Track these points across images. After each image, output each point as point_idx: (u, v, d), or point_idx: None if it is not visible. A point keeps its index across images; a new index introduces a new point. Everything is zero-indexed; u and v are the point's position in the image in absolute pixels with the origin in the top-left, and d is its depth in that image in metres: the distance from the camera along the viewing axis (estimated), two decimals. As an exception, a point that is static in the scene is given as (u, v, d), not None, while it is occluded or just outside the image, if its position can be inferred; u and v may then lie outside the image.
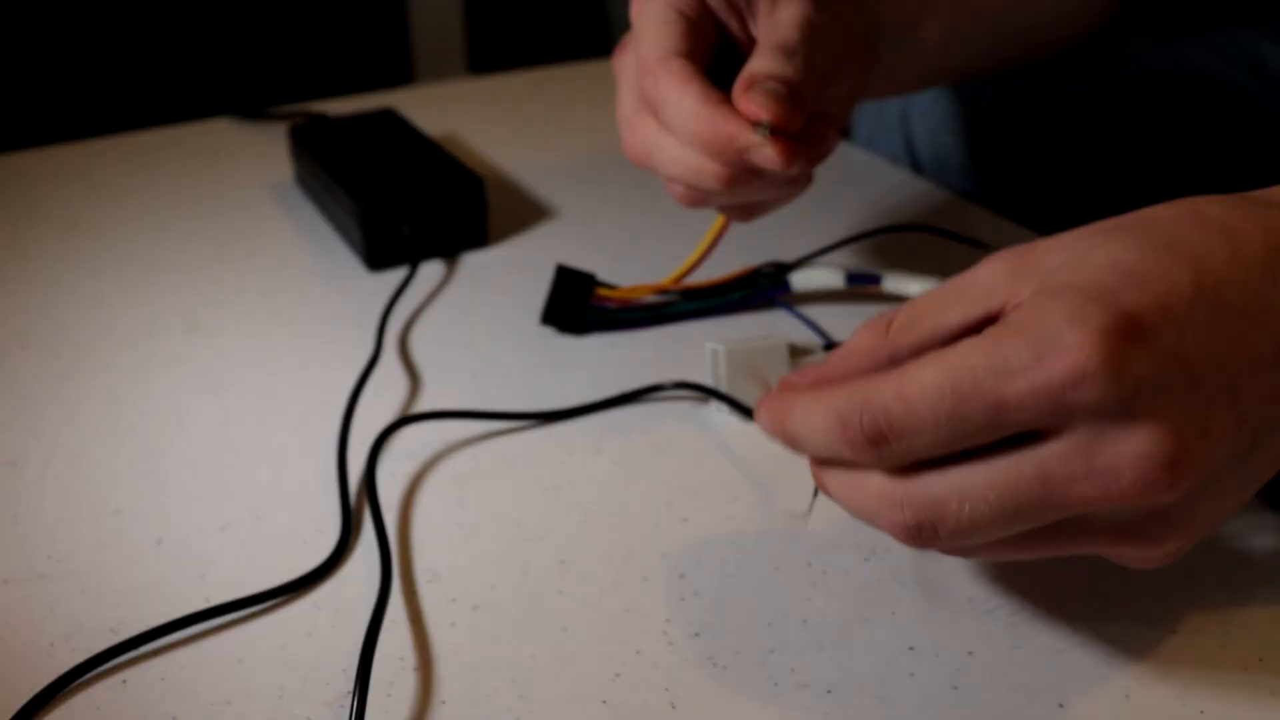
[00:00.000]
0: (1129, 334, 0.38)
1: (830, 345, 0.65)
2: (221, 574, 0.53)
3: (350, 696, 0.45)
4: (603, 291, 0.69)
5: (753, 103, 0.54)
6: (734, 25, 0.60)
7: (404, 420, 0.61)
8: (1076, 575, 0.51)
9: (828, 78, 0.59)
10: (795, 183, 0.59)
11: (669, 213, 0.83)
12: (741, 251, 0.73)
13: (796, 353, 0.63)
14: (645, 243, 0.81)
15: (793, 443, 0.43)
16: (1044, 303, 0.39)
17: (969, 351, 0.39)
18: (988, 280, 0.42)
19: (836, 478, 0.43)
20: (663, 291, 0.70)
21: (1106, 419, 0.38)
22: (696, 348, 0.67)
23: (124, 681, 0.47)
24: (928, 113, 0.94)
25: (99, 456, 0.61)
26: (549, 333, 0.71)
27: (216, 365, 0.69)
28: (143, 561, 0.54)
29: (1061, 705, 0.46)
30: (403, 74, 2.58)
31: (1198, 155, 0.85)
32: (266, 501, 0.57)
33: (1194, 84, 0.88)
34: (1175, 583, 0.51)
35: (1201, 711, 0.45)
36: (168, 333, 0.72)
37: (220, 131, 1.04)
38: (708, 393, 0.62)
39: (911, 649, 0.48)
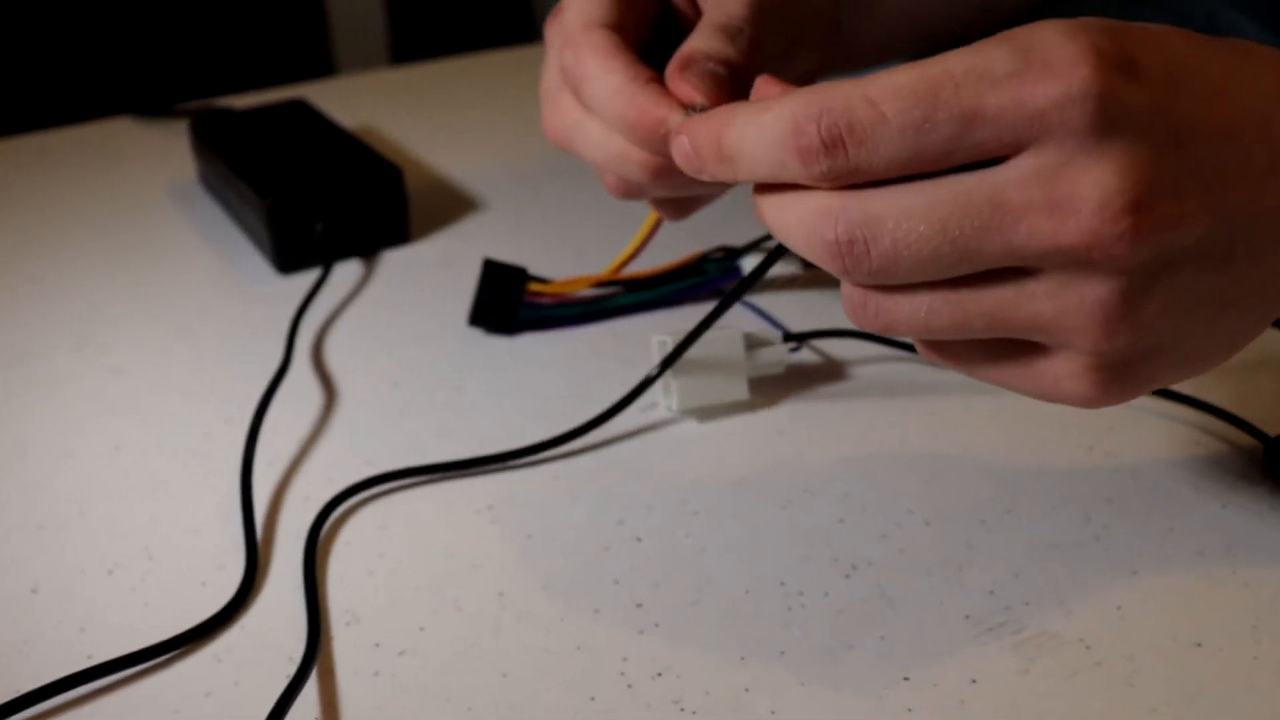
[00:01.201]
0: (1124, 66, 0.35)
1: (789, 336, 0.59)
2: (107, 625, 0.46)
3: (253, 770, 0.38)
4: (535, 287, 0.62)
5: (687, 84, 0.47)
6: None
7: (345, 494, 0.53)
8: (1085, 582, 0.46)
9: (783, 59, 0.53)
10: None
11: (603, 203, 0.76)
12: (687, 236, 0.67)
13: (753, 344, 0.56)
14: (579, 235, 0.75)
15: (728, 161, 0.39)
16: (1043, 22, 0.35)
17: (951, 57, 0.35)
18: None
19: (773, 197, 0.39)
20: (601, 284, 0.63)
21: (1080, 146, 0.34)
22: (640, 344, 0.60)
23: (-14, 762, 0.40)
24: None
25: (-30, 493, 0.54)
26: (478, 334, 0.64)
27: (109, 385, 0.61)
28: (15, 614, 0.47)
29: (1085, 739, 0.39)
30: (322, 66, 2.51)
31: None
32: (161, 537, 0.50)
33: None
34: (1196, 590, 0.46)
35: (1242, 737, 0.39)
36: (55, 350, 0.65)
37: (121, 131, 0.96)
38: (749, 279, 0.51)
39: (906, 680, 0.42)
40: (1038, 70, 0.34)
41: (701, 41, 0.49)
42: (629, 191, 0.53)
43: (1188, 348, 0.39)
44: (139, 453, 0.56)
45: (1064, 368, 0.38)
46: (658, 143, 0.47)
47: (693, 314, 0.64)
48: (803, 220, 0.37)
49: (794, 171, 0.37)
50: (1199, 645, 0.43)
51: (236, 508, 0.51)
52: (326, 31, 2.56)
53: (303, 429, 0.57)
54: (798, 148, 0.36)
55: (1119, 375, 0.38)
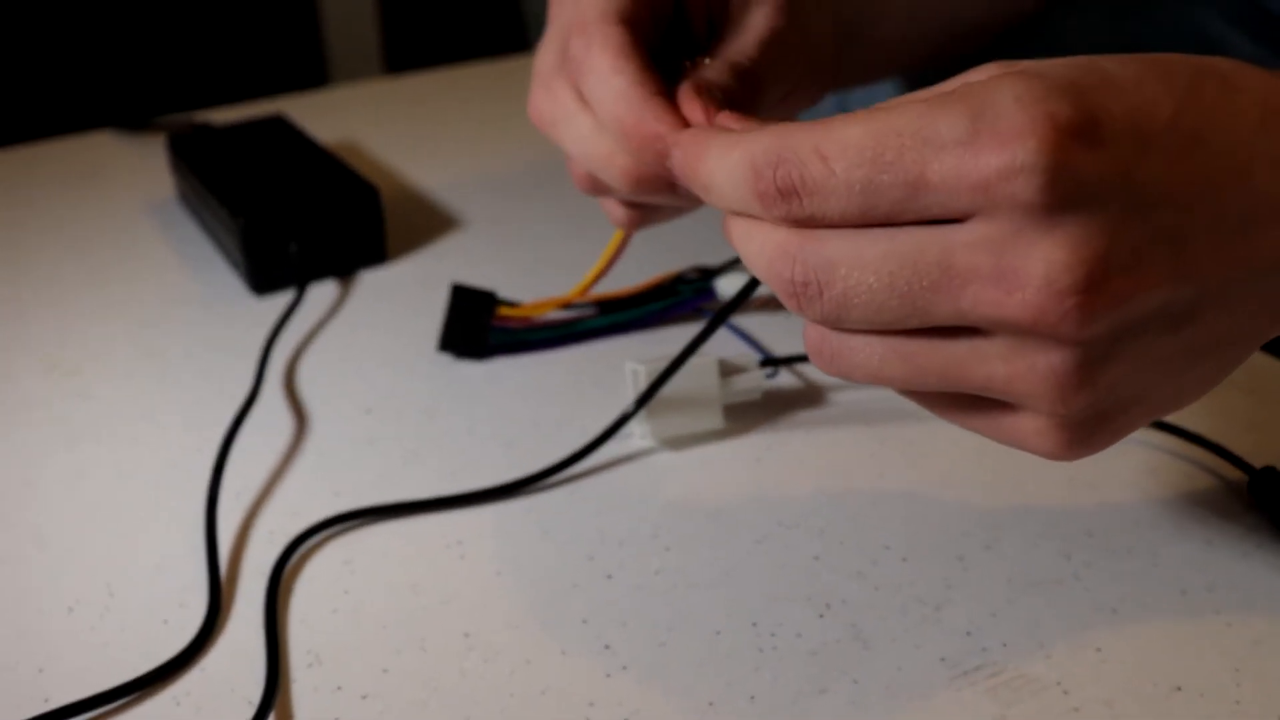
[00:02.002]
0: (1082, 133, 0.33)
1: (767, 360, 0.58)
2: (66, 666, 0.45)
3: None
4: (505, 311, 0.61)
5: (696, 105, 0.46)
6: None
7: (309, 532, 0.52)
8: (1065, 623, 0.45)
9: (783, 101, 0.52)
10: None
11: (583, 221, 0.75)
12: (661, 255, 0.66)
13: (728, 370, 0.55)
14: (558, 253, 0.74)
15: (704, 190, 0.39)
16: (999, 78, 0.34)
17: (902, 113, 0.34)
18: (974, 75, 0.37)
19: (740, 224, 0.39)
20: (572, 306, 0.62)
21: (1028, 218, 0.33)
22: (615, 368, 0.59)
23: (-66, 812, 0.39)
24: (867, 100, 0.88)
25: (-69, 525, 0.53)
26: (451, 358, 0.63)
27: (75, 410, 0.60)
28: (-29, 654, 0.46)
29: (1060, 792, 0.39)
30: (316, 75, 2.50)
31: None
32: (123, 573, 0.49)
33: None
34: (1177, 630, 0.45)
35: (1223, 790, 0.38)
36: (22, 374, 0.64)
37: (101, 145, 0.95)
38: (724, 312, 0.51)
39: (878, 727, 0.41)
40: (986, 138, 0.33)
41: (717, 75, 0.48)
42: (596, 188, 0.52)
43: (1158, 398, 0.37)
44: (104, 482, 0.55)
45: (1028, 424, 0.37)
46: (648, 155, 0.46)
47: (668, 335, 0.64)
48: (763, 253, 0.37)
49: (757, 210, 0.37)
50: (1179, 689, 0.42)
51: (201, 542, 0.50)
52: (320, 41, 2.55)
53: (272, 458, 0.56)
54: (757, 191, 0.36)
55: (1086, 432, 0.37)
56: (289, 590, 0.48)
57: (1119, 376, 0.35)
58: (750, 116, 0.44)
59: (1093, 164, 0.33)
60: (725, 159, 0.38)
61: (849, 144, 0.34)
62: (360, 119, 0.98)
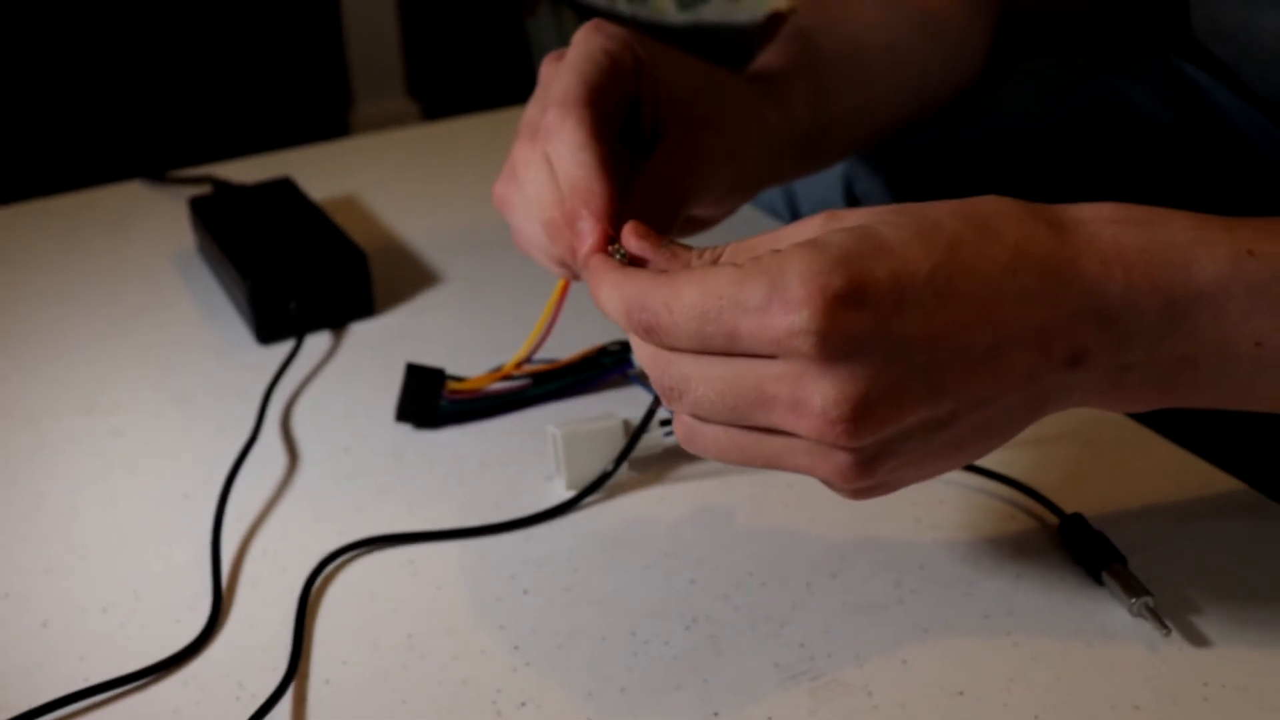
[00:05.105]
0: (849, 300, 0.44)
1: (665, 421, 0.69)
2: (101, 654, 0.58)
3: (204, 773, 0.50)
4: (453, 386, 0.72)
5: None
6: (646, 99, 0.65)
7: (330, 556, 0.65)
8: (883, 639, 0.57)
9: (714, 205, 0.67)
10: None
11: (550, 279, 0.87)
12: (586, 331, 0.78)
13: (634, 430, 0.67)
14: (529, 307, 0.85)
15: (603, 313, 0.51)
16: (795, 252, 0.45)
17: (725, 280, 0.46)
18: (800, 230, 0.49)
19: (631, 336, 0.50)
20: (511, 377, 0.73)
21: (810, 364, 0.45)
22: (542, 429, 0.71)
23: (1, 763, 0.52)
24: (807, 189, 0.99)
25: (-7, 539, 0.66)
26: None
27: (110, 444, 0.73)
28: (28, 644, 0.59)
29: (841, 767, 0.51)
30: (340, 93, 2.60)
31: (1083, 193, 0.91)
32: (146, 582, 0.62)
33: (1064, 126, 0.95)
34: (972, 647, 0.56)
35: (968, 769, 0.50)
36: (66, 412, 0.77)
37: (130, 195, 1.08)
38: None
39: (716, 715, 0.53)
40: (777, 306, 0.44)
41: (644, 200, 0.61)
42: (505, 204, 0.64)
43: (931, 471, 0.50)
44: (132, 507, 0.68)
45: (837, 488, 0.50)
46: (575, 213, 0.57)
47: (601, 399, 0.75)
48: (644, 360, 0.50)
49: (634, 336, 0.49)
50: (962, 694, 0.54)
51: (208, 558, 0.63)
52: (345, 61, 2.66)
53: (268, 489, 0.69)
54: (630, 326, 0.49)
55: (877, 492, 0.50)
56: (272, 598, 0.61)
57: (894, 466, 0.48)
58: (651, 234, 0.55)
59: (856, 323, 0.44)
60: (611, 297, 0.50)
61: (685, 302, 0.46)
62: (361, 173, 1.10)
